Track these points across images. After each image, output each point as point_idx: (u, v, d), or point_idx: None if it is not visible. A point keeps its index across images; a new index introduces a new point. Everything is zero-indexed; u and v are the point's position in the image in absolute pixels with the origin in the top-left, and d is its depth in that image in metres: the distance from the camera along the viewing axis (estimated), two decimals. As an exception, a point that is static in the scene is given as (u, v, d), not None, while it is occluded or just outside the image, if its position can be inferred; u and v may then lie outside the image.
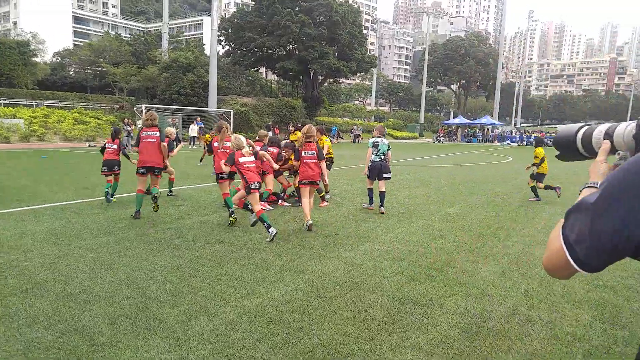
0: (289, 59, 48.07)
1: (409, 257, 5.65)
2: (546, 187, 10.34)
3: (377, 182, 8.62)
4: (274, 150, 8.81)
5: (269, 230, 6.13)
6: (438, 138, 51.61)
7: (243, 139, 6.85)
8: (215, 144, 7.74)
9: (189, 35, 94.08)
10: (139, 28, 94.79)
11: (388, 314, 3.91)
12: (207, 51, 63.63)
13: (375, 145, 8.48)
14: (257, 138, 9.36)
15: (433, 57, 75.84)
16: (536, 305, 4.23)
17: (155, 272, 4.87)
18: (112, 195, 8.83)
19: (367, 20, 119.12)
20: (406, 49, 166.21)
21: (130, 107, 39.35)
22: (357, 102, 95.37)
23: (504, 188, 12.69)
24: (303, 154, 7.13)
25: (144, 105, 30.20)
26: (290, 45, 48.79)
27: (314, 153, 7.11)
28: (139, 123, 28.15)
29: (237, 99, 44.58)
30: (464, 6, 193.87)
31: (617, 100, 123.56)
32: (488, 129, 55.33)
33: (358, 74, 62.67)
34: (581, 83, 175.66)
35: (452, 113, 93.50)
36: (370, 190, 8.80)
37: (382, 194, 8.52)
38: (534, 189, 10.41)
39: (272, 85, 62.79)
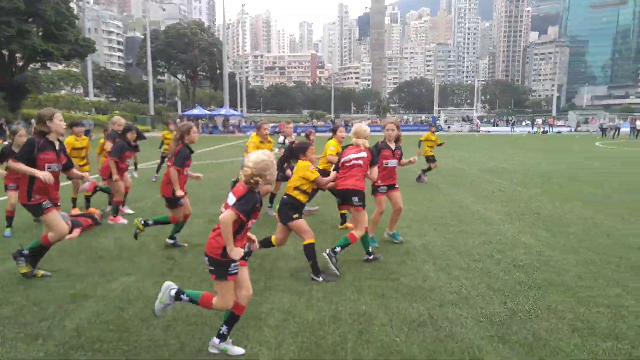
0: (-30, 35, 36.02)
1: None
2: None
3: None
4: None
5: None
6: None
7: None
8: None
9: None
10: None
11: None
12: None
13: None
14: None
15: (155, 45, 70.70)
16: None
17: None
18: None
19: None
20: (117, 34, 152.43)
21: None
22: (63, 91, 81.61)
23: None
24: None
25: None
26: (-29, 18, 36.58)
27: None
28: None
29: None
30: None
31: (321, 92, 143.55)
32: (228, 120, 54.96)
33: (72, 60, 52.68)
34: (291, 75, 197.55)
35: (179, 103, 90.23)
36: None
37: None
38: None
39: None
